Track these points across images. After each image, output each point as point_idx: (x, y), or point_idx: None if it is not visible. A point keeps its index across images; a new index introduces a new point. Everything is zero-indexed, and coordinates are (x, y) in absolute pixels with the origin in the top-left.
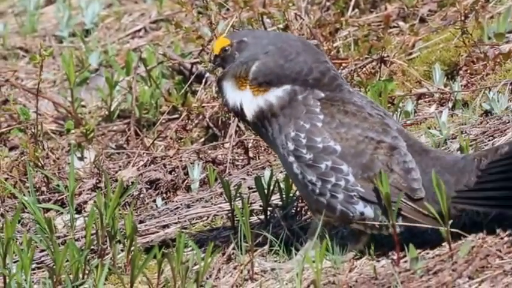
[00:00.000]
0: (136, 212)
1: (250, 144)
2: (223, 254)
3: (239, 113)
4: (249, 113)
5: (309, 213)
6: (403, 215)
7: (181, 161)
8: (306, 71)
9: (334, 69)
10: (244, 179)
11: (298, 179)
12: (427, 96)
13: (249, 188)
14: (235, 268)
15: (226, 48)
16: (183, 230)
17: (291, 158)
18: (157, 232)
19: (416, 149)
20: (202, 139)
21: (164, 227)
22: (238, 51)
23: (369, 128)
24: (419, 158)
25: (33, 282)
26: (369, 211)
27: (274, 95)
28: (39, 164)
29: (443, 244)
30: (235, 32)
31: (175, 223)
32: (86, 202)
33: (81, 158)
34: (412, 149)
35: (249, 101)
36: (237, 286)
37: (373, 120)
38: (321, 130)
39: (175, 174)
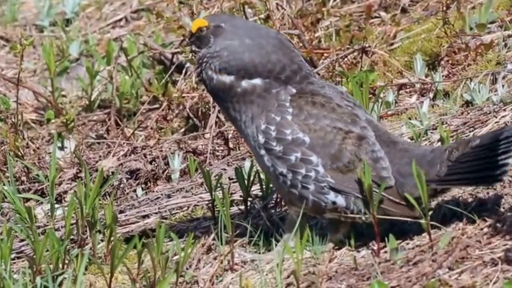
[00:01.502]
0: (117, 202)
1: (230, 135)
2: (203, 245)
3: (232, 89)
4: (237, 92)
5: None
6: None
7: (161, 151)
8: (278, 70)
9: (308, 68)
10: (224, 169)
11: (270, 172)
12: (408, 87)
13: (230, 179)
14: (215, 258)
15: (203, 29)
16: (163, 220)
17: (262, 151)
18: (138, 222)
19: (384, 139)
20: (183, 129)
21: (144, 217)
22: (214, 35)
23: (338, 118)
24: (388, 149)
25: (13, 272)
26: (340, 200)
27: (253, 82)
28: (19, 154)
29: (423, 235)
30: (216, 15)
31: (156, 213)
32: (66, 192)
33: (62, 148)
34: (381, 140)
35: (234, 83)
36: (217, 277)
37: (342, 111)
38: (290, 123)
39: (156, 164)
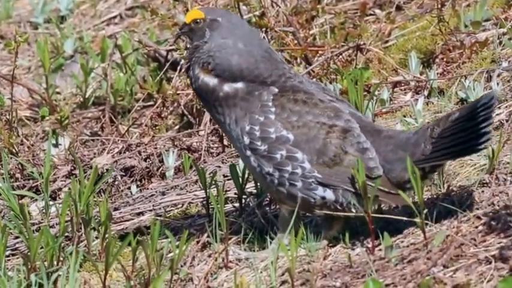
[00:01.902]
0: (111, 199)
1: None
2: (198, 242)
3: (209, 95)
4: (219, 96)
5: None
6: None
7: (156, 148)
8: (264, 76)
9: (292, 73)
10: (219, 166)
11: (257, 172)
12: (402, 84)
13: (224, 176)
14: (209, 256)
15: (198, 20)
16: (157, 218)
17: (248, 152)
18: (132, 219)
19: (368, 129)
20: (177, 126)
21: (139, 214)
22: (210, 29)
23: (321, 113)
24: (372, 138)
25: (7, 269)
26: (329, 194)
27: (235, 86)
28: (14, 151)
29: (418, 233)
30: (213, 8)
31: (150, 210)
32: (60, 189)
33: (56, 145)
34: (365, 130)
35: (217, 86)
36: (211, 274)
37: (325, 106)
38: (274, 121)
39: (150, 162)
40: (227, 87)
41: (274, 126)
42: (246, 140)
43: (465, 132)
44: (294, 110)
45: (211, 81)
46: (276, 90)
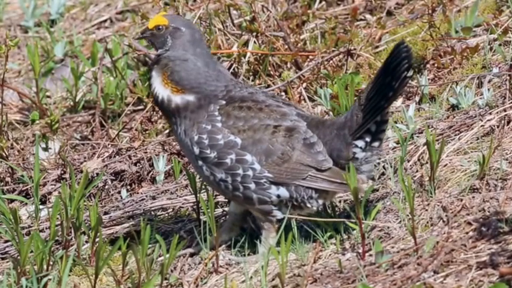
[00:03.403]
0: (101, 204)
1: None
2: (188, 247)
3: (164, 105)
4: (170, 107)
5: None
6: (315, 189)
7: (146, 152)
8: (216, 93)
9: (243, 86)
10: None
11: (211, 181)
12: None
13: None
14: (199, 263)
15: (161, 27)
16: (148, 222)
17: (200, 162)
18: (122, 224)
19: (313, 124)
20: (167, 131)
21: (129, 218)
22: (172, 37)
23: (266, 116)
24: (318, 130)
25: None
26: (283, 192)
27: (187, 98)
28: (4, 155)
29: (408, 238)
30: (177, 17)
31: (140, 215)
32: (50, 193)
33: (46, 149)
34: (311, 125)
35: (171, 97)
36: (201, 279)
37: (270, 109)
38: (221, 128)
39: (140, 166)
40: (179, 99)
41: (222, 133)
42: (196, 150)
43: (385, 85)
44: (240, 116)
45: (164, 92)
46: (224, 102)
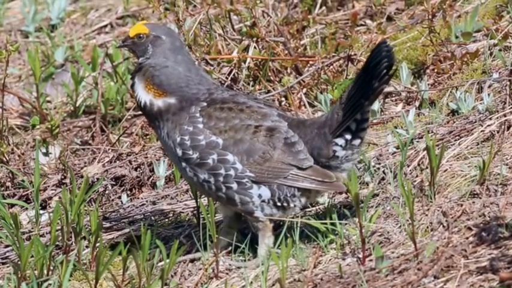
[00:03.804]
0: (102, 209)
1: None
2: (189, 252)
3: (147, 109)
4: (153, 111)
5: None
6: (298, 187)
7: (146, 157)
8: (198, 96)
9: (224, 89)
10: None
11: (195, 182)
12: (393, 95)
13: None
14: (200, 269)
15: (141, 35)
16: (148, 227)
17: (183, 164)
18: (123, 229)
19: (294, 124)
20: None
21: (129, 223)
22: (153, 45)
23: (247, 117)
24: (299, 130)
25: None
26: (265, 191)
27: (169, 101)
28: (4, 160)
29: (408, 243)
30: (158, 25)
31: (141, 220)
32: (50, 198)
33: (46, 154)
34: (291, 125)
35: (153, 101)
36: (201, 284)
37: (251, 110)
38: (202, 129)
39: (141, 171)
40: (161, 102)
41: (203, 134)
42: (179, 151)
43: (365, 78)
44: (221, 117)
45: (147, 97)
46: (205, 104)
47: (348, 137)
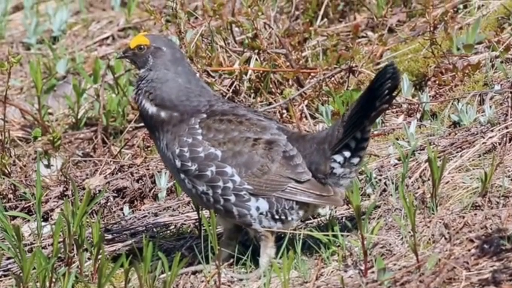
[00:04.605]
0: (104, 221)
1: None
2: (191, 264)
3: (153, 119)
4: (160, 118)
5: None
6: (296, 201)
7: (148, 169)
8: (199, 108)
9: (225, 101)
10: None
11: (193, 194)
12: (395, 107)
13: None
14: (202, 281)
15: (142, 47)
16: (150, 239)
17: (182, 175)
18: (125, 241)
19: (294, 138)
20: None
21: (131, 235)
22: (153, 56)
23: (246, 129)
24: (298, 144)
25: None
26: (263, 204)
27: (171, 113)
28: (6, 171)
29: (410, 256)
30: (158, 36)
31: (143, 232)
32: (52, 210)
33: (48, 166)
34: (291, 139)
35: (159, 111)
36: None
37: (251, 123)
38: (201, 141)
39: (143, 183)
40: (164, 114)
41: (202, 146)
42: (178, 163)
43: (368, 98)
44: (220, 129)
45: (151, 108)
46: (205, 115)
47: (347, 154)
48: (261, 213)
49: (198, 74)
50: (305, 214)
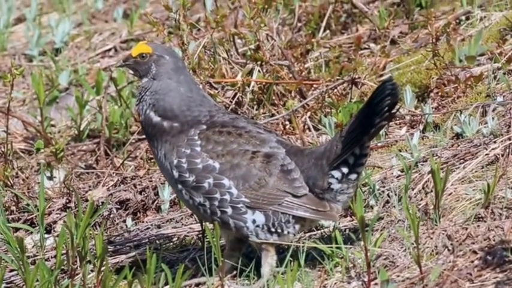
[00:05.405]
0: (106, 232)
1: None
2: (194, 276)
3: (157, 127)
4: (163, 126)
5: None
6: (293, 215)
7: (151, 181)
8: (200, 118)
9: (225, 112)
10: None
11: (191, 205)
12: (397, 119)
13: None
14: None
15: (145, 55)
16: (153, 251)
17: (179, 186)
18: (128, 253)
19: (292, 152)
20: None
21: (135, 247)
22: (156, 64)
23: (245, 142)
24: (296, 158)
25: None
26: (259, 217)
27: (172, 123)
28: (9, 183)
29: (414, 267)
30: (160, 45)
31: (146, 244)
32: (55, 222)
33: (51, 178)
34: (290, 153)
35: (163, 121)
36: None
37: (250, 135)
38: (200, 153)
39: (146, 195)
40: (166, 123)
41: (200, 157)
42: (176, 173)
43: (367, 114)
44: (219, 141)
45: (155, 117)
46: (205, 127)
47: (345, 170)
48: (257, 226)
49: (200, 86)
50: (301, 228)
